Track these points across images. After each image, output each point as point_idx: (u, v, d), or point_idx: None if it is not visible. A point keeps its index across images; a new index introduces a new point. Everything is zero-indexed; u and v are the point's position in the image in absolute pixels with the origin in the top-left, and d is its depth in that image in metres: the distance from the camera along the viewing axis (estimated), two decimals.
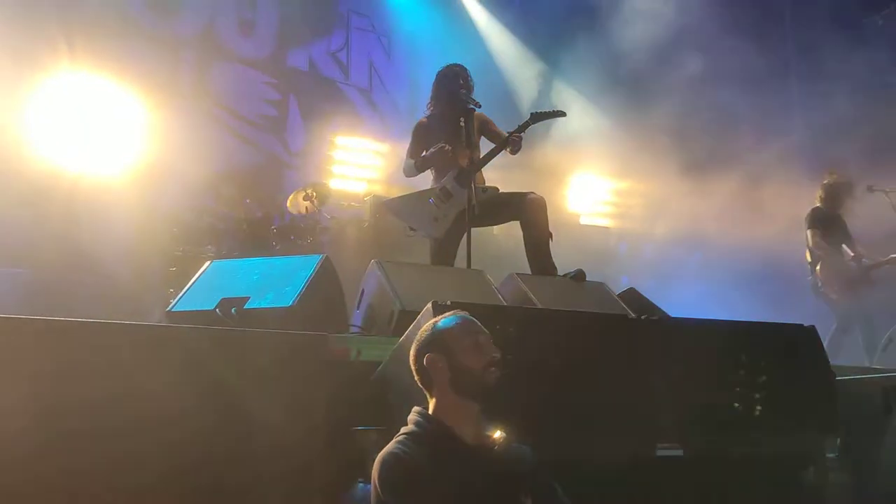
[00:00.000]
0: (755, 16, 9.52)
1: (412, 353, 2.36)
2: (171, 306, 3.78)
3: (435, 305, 3.04)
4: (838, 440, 3.01)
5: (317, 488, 2.97)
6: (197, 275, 3.99)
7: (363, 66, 9.97)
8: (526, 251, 4.96)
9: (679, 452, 2.77)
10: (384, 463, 2.18)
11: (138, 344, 2.93)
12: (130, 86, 7.32)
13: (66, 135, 6.88)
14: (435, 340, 2.34)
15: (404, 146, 5.42)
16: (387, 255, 5.97)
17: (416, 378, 2.35)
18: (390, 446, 2.22)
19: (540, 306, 4.00)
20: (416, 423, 2.28)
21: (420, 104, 5.58)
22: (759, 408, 2.96)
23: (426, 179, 5.26)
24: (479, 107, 4.98)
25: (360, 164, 9.35)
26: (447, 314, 2.43)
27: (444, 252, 4.97)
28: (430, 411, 2.30)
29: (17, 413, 2.55)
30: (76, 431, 2.61)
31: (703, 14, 8.50)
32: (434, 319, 2.41)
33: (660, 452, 2.77)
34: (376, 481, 2.17)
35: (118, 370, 2.77)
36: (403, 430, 2.27)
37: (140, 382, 2.77)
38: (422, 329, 2.41)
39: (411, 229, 5.02)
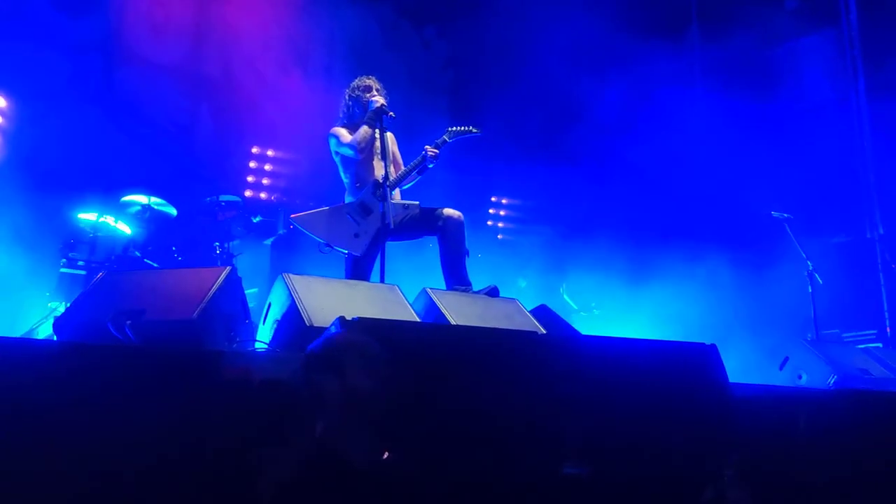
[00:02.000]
0: None
1: None
2: (57, 319, 3.54)
3: (342, 321, 2.96)
4: (735, 459, 3.08)
5: None
6: (90, 286, 3.77)
7: None
8: (442, 266, 4.95)
9: (584, 472, 2.77)
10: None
11: (23, 361, 2.73)
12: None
13: None
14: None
15: (315, 155, 5.33)
16: (300, 269, 5.83)
17: None
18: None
19: (453, 322, 3.97)
20: None
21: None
22: (658, 426, 3.00)
23: (338, 194, 5.18)
24: (394, 116, 4.97)
25: (273, 174, 9.13)
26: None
27: (361, 268, 4.90)
28: None
29: None
30: None
31: None
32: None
33: (565, 472, 2.76)
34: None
35: (6, 390, 2.57)
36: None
37: (25, 402, 2.58)
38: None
39: (327, 246, 4.91)
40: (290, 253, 6.92)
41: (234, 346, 3.74)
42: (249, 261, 7.05)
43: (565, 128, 9.50)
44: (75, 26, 7.27)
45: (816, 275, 6.50)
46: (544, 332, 4.16)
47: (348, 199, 5.09)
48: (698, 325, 6.88)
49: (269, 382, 3.14)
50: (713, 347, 3.46)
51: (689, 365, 3.34)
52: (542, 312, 4.57)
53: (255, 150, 9.06)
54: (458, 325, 3.92)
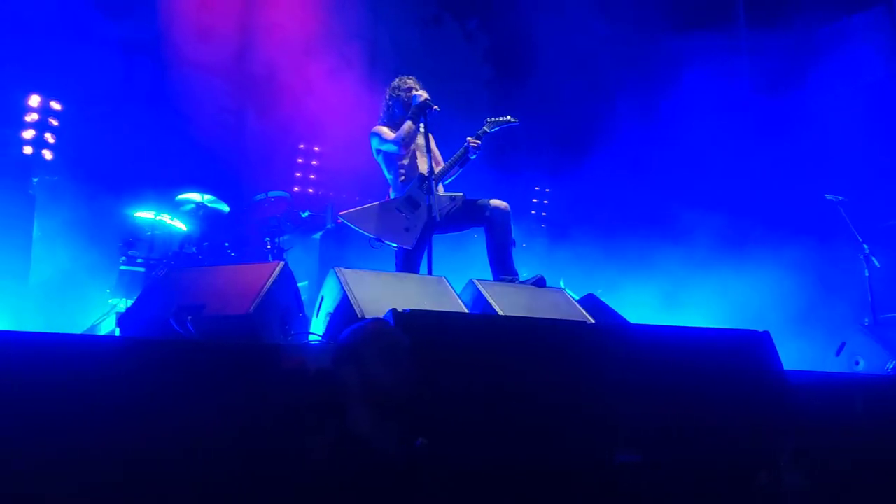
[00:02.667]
0: None
1: None
2: (120, 315, 3.68)
3: (394, 314, 3.02)
4: (792, 444, 3.05)
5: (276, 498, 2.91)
6: (149, 282, 3.90)
7: None
8: (488, 257, 4.97)
9: (637, 459, 2.78)
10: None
11: (90, 357, 2.85)
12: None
13: None
14: None
15: (360, 149, 5.41)
16: (348, 262, 5.93)
17: None
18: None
19: (500, 313, 4.00)
20: None
21: None
22: (712, 414, 2.99)
23: (383, 191, 5.24)
24: (439, 110, 5.01)
25: (319, 169, 9.27)
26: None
27: (412, 261, 4.96)
28: None
29: None
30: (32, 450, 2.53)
31: None
32: None
33: (618, 459, 2.77)
34: None
35: (72, 385, 2.69)
36: None
37: (91, 396, 2.69)
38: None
39: (377, 241, 4.97)
40: (338, 246, 7.03)
41: (290, 339, 3.83)
42: (299, 255, 7.19)
43: (606, 116, 9.42)
44: (124, 31, 7.47)
45: (873, 258, 6.35)
46: (593, 321, 4.16)
47: (393, 195, 5.15)
48: (752, 312, 6.79)
49: (323, 373, 3.22)
50: (766, 334, 3.43)
51: (743, 352, 3.32)
52: (589, 301, 4.57)
53: (301, 146, 9.20)
54: (506, 316, 3.94)
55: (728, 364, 3.22)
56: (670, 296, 7.97)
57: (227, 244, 6.76)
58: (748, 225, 8.20)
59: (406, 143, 5.04)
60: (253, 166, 8.24)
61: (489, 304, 4.12)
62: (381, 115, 5.32)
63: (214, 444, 2.82)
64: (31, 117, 6.87)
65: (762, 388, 3.26)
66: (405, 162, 5.11)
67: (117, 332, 3.91)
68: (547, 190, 10.55)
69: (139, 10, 7.74)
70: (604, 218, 9.32)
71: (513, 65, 9.81)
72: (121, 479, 2.65)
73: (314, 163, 9.24)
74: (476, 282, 4.36)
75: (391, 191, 5.19)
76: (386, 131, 5.15)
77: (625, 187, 9.29)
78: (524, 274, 4.87)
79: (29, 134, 6.83)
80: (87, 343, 3.24)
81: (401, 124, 5.09)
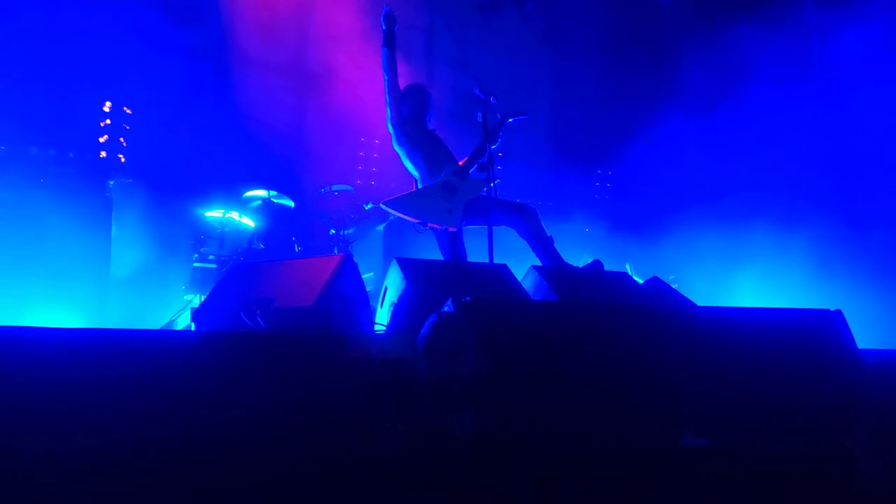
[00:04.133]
0: None
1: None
2: (194, 310, 3.82)
3: (455, 301, 3.05)
4: (866, 426, 2.96)
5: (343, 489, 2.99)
6: (223, 277, 4.04)
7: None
8: (534, 249, 4.98)
9: (703, 443, 2.75)
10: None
11: (168, 351, 2.98)
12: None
13: None
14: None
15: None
16: (410, 252, 5.99)
17: None
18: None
19: (563, 299, 3.99)
20: None
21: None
22: (782, 396, 2.92)
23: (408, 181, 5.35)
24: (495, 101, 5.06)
25: (380, 161, 9.37)
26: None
27: (457, 244, 4.99)
28: None
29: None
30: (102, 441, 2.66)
31: None
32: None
33: (684, 443, 2.75)
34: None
35: (151, 377, 2.82)
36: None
37: (171, 389, 2.81)
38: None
39: (422, 225, 5.02)
40: (401, 237, 7.11)
41: (355, 329, 3.91)
42: (364, 246, 7.31)
43: (669, 96, 9.22)
44: (189, 37, 7.70)
45: None
46: (658, 304, 4.11)
47: (425, 182, 5.21)
48: (822, 290, 6.57)
49: (388, 363, 3.28)
50: (839, 313, 3.33)
51: (814, 332, 3.23)
52: (654, 284, 4.51)
53: (362, 139, 9.32)
54: (568, 302, 3.94)
55: (798, 344, 3.14)
56: (738, 277, 7.79)
57: (293, 238, 6.93)
58: (813, 199, 7.91)
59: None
60: (316, 161, 8.41)
61: (551, 291, 4.12)
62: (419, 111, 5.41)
63: (284, 432, 2.92)
64: (106, 122, 7.17)
65: (836, 368, 3.17)
66: (431, 154, 5.18)
67: (192, 327, 4.07)
68: (609, 173, 10.41)
69: (203, 17, 7.97)
70: (668, 201, 9.15)
71: (570, 46, 9.69)
72: (197, 467, 2.77)
73: (375, 155, 9.35)
74: (536, 269, 4.36)
75: (418, 183, 5.25)
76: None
77: (688, 169, 9.09)
78: (584, 259, 4.85)
79: (104, 138, 7.14)
80: (165, 338, 3.38)
81: (409, 120, 5.18)
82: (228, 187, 7.18)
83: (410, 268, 3.98)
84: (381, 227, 7.58)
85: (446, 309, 3.13)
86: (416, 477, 2.34)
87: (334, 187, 7.38)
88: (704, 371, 2.99)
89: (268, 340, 3.32)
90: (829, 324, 3.31)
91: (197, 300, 6.21)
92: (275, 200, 7.04)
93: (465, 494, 2.23)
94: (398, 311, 4.00)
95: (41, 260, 5.64)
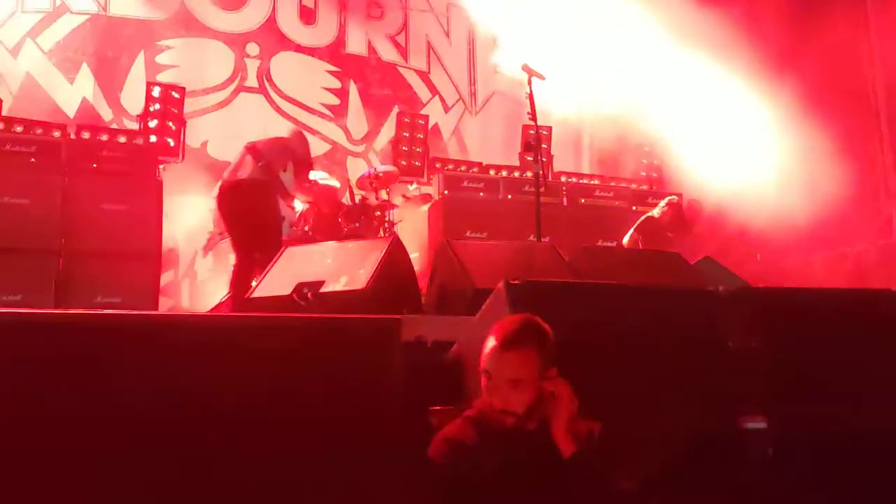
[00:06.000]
0: None
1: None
2: (249, 294, 3.89)
3: (507, 285, 3.04)
4: None
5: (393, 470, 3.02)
6: (273, 261, 4.09)
7: (421, 48, 9.95)
8: None
9: (762, 426, 2.70)
10: (436, 443, 2.24)
11: (217, 335, 3.02)
12: None
13: None
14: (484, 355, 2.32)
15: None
16: (455, 232, 6.00)
17: None
18: (449, 427, 2.27)
19: (614, 280, 3.95)
20: (474, 407, 2.32)
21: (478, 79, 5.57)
22: (850, 379, 2.85)
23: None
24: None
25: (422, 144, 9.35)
26: (510, 323, 2.34)
27: None
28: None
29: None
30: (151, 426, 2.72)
31: None
32: (503, 322, 2.34)
33: (743, 426, 2.70)
34: (434, 458, 2.23)
35: (197, 363, 2.86)
36: (466, 412, 2.30)
37: (218, 374, 2.85)
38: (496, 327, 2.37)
39: None
40: (447, 218, 7.11)
41: (405, 311, 3.93)
42: (409, 228, 7.32)
43: None
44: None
45: None
46: (712, 285, 4.04)
47: None
48: None
49: (439, 344, 3.29)
50: None
51: (883, 314, 3.13)
52: (707, 265, 4.44)
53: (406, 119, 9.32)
54: (622, 285, 3.88)
55: (861, 326, 3.05)
56: None
57: (339, 220, 6.97)
58: None
59: None
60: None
61: (602, 272, 4.07)
62: None
63: (338, 415, 2.95)
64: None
65: None
66: None
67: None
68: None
69: None
70: None
71: None
72: (256, 450, 2.81)
73: (419, 136, 9.33)
74: (586, 248, 4.32)
75: None
76: None
77: None
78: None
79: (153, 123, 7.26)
80: (214, 322, 3.45)
81: None
82: None
83: (458, 249, 3.97)
84: (425, 208, 7.59)
85: (496, 292, 3.11)
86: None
87: (379, 168, 7.39)
88: (763, 353, 2.92)
89: (321, 324, 3.35)
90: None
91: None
92: (321, 182, 7.08)
93: (529, 476, 2.23)
94: (447, 292, 4.00)
95: None
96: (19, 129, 6.20)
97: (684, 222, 6.69)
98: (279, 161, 5.36)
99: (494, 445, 2.18)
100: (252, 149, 5.37)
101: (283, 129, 8.44)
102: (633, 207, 8.01)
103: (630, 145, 9.19)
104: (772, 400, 2.84)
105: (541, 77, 4.96)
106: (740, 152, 7.62)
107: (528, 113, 4.94)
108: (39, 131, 6.28)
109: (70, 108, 7.82)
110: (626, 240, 6.61)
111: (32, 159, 5.95)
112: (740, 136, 7.79)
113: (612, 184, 8.41)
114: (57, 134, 6.35)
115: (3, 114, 6.51)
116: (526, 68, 4.97)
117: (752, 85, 7.90)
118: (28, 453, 2.35)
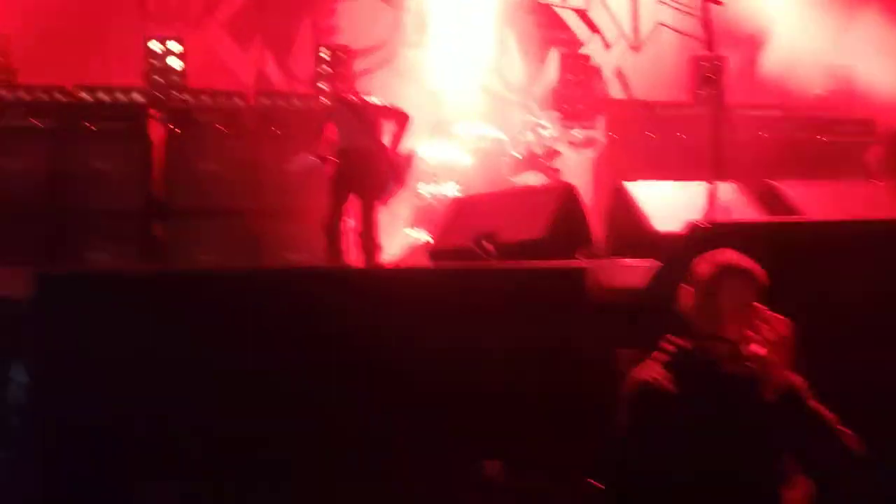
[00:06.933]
0: None
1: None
2: (432, 246, 4.00)
3: (693, 226, 2.93)
4: None
5: (580, 412, 3.04)
6: (450, 212, 4.18)
7: None
8: None
9: None
10: (629, 385, 2.18)
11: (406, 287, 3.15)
12: None
13: None
14: (693, 277, 2.23)
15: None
16: (625, 176, 5.82)
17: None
18: (638, 368, 2.21)
19: (808, 217, 3.69)
20: (665, 349, 2.24)
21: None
22: None
23: None
24: None
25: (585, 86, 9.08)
26: (723, 253, 2.25)
27: None
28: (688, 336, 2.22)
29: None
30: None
31: None
32: (715, 252, 2.26)
33: None
34: (623, 402, 2.18)
35: (398, 311, 2.99)
36: (656, 353, 2.24)
37: (396, 321, 2.97)
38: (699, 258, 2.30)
39: None
40: (614, 162, 6.92)
41: (582, 258, 3.90)
42: (575, 174, 7.19)
43: None
44: None
45: None
46: None
47: None
48: None
49: (621, 290, 3.24)
50: None
51: None
52: None
53: None
54: (815, 221, 3.62)
55: None
56: None
57: (505, 170, 6.98)
58: None
59: None
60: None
61: (791, 208, 3.82)
62: None
63: (531, 364, 3.00)
64: None
65: None
66: None
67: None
68: None
69: None
70: None
71: None
72: (454, 389, 2.93)
73: (582, 77, 9.09)
74: (772, 182, 4.05)
75: None
76: None
77: None
78: None
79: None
80: (408, 275, 3.59)
81: None
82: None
83: (635, 190, 3.86)
84: (591, 153, 7.43)
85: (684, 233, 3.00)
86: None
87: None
88: None
89: (500, 273, 3.40)
90: None
91: (419, 235, 6.48)
92: (485, 132, 7.12)
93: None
94: (624, 236, 3.92)
95: None
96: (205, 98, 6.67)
97: None
98: None
99: (693, 386, 2.12)
100: None
101: (442, 83, 8.58)
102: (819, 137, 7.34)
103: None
104: None
105: (718, 2, 4.62)
106: None
107: (704, 42, 4.62)
108: (221, 100, 6.73)
109: (246, 77, 8.32)
110: None
111: (220, 126, 6.39)
112: None
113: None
114: (238, 101, 6.79)
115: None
116: None
117: None
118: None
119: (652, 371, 2.17)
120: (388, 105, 5.26)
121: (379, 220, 4.87)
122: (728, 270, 2.16)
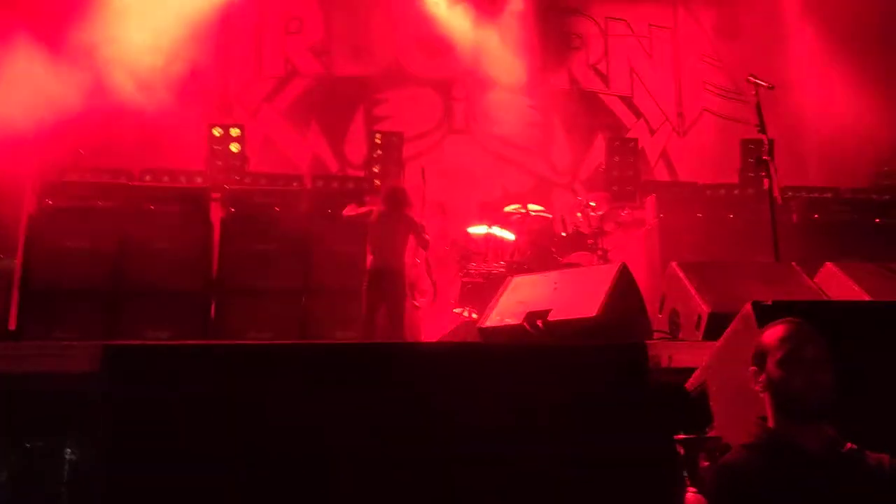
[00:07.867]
0: None
1: None
2: (482, 323, 4.02)
3: (755, 305, 2.89)
4: None
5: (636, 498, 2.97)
6: (501, 290, 4.21)
7: (623, 73, 9.85)
8: None
9: None
10: (719, 474, 2.13)
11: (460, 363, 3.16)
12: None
13: None
14: (755, 352, 2.22)
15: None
16: (674, 255, 5.80)
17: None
18: (728, 456, 2.16)
19: (869, 298, 3.62)
20: (754, 434, 2.18)
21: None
22: None
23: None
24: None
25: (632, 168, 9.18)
26: (778, 321, 2.24)
27: None
28: (771, 421, 2.17)
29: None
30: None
31: None
32: (785, 319, 2.24)
33: None
34: (712, 491, 2.12)
35: (434, 390, 3.00)
36: (745, 441, 2.18)
37: (458, 400, 2.98)
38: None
39: None
40: (664, 242, 6.92)
41: (636, 338, 3.86)
42: (624, 254, 7.19)
43: None
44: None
45: None
46: None
47: None
48: None
49: (677, 370, 3.20)
50: None
51: None
52: None
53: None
54: (878, 302, 3.55)
55: None
56: None
57: (553, 250, 7.02)
58: None
59: None
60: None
61: (855, 290, 3.75)
62: None
63: (579, 437, 2.96)
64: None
65: None
66: None
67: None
68: None
69: None
70: None
71: None
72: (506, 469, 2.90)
73: (629, 160, 9.21)
74: (833, 265, 4.00)
75: None
76: None
77: None
78: None
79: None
80: (460, 352, 3.60)
81: None
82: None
83: (686, 272, 3.85)
84: (640, 233, 7.44)
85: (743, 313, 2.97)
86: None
87: (587, 197, 7.37)
88: None
89: (553, 351, 3.39)
90: None
91: (466, 313, 6.50)
92: (533, 213, 7.21)
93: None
94: (677, 316, 3.88)
95: None
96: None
97: None
98: None
99: (788, 472, 2.05)
100: None
101: (488, 166, 8.79)
102: (877, 220, 7.24)
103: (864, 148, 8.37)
104: None
105: (768, 87, 4.71)
106: None
107: (756, 125, 4.69)
108: (281, 183, 7.00)
109: (302, 161, 8.67)
110: None
111: (277, 208, 6.61)
112: None
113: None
114: (296, 185, 7.05)
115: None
116: (751, 79, 4.74)
117: None
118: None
119: (739, 458, 2.11)
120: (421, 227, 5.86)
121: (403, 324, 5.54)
122: (801, 330, 2.13)
